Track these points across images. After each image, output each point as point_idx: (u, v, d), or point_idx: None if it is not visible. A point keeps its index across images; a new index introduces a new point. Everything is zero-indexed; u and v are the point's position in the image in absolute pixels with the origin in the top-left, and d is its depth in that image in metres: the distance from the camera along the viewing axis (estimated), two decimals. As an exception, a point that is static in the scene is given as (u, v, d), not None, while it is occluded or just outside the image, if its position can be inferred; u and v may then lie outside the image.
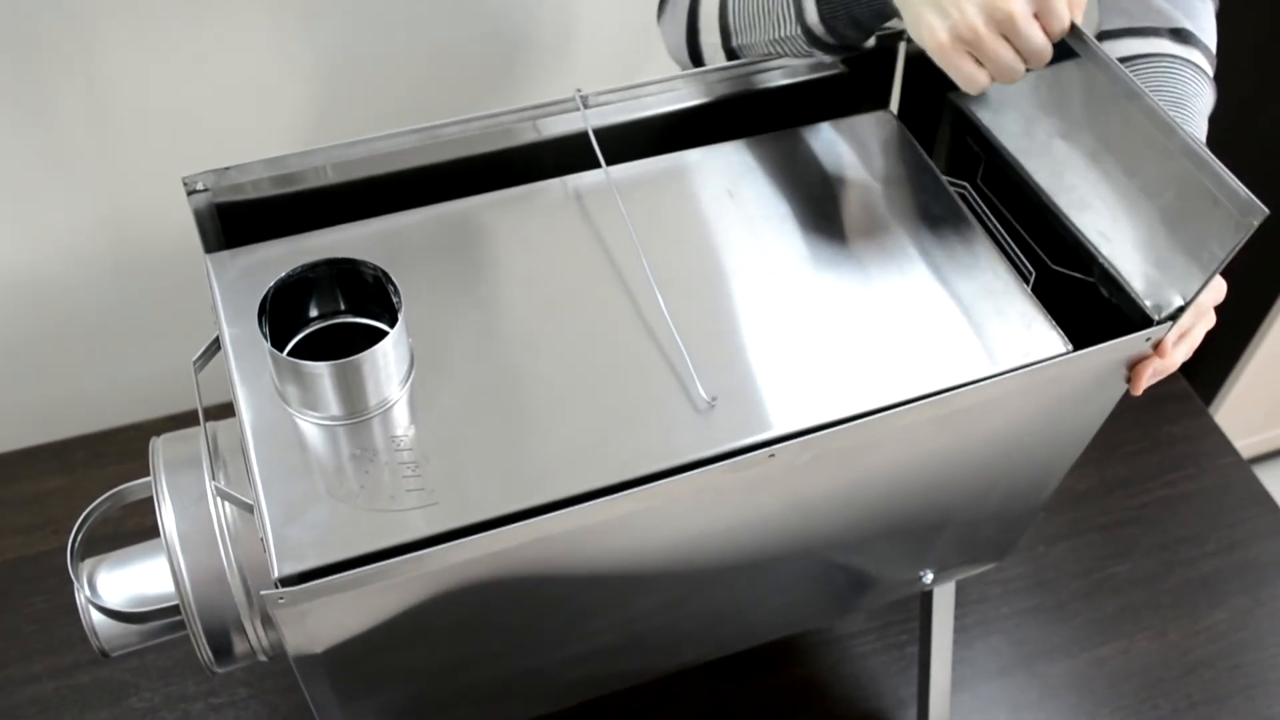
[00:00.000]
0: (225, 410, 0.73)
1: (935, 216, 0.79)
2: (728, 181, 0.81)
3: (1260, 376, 1.87)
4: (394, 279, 0.67)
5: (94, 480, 1.23)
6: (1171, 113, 0.83)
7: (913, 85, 0.87)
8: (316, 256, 0.68)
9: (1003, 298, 0.75)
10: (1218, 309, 0.76)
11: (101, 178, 1.18)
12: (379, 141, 0.76)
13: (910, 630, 1.14)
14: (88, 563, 0.75)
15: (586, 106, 0.80)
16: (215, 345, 0.72)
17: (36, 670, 1.08)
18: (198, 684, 1.07)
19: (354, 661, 0.67)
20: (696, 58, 0.89)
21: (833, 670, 1.12)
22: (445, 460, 0.65)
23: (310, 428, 0.66)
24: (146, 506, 0.73)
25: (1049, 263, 0.79)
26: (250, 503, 0.64)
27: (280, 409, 0.66)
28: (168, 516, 0.70)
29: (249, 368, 0.68)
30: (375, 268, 0.67)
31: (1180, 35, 0.86)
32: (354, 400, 0.65)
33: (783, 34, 0.80)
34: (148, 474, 0.73)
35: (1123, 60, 0.87)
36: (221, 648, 0.72)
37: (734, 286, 0.75)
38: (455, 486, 0.64)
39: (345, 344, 0.70)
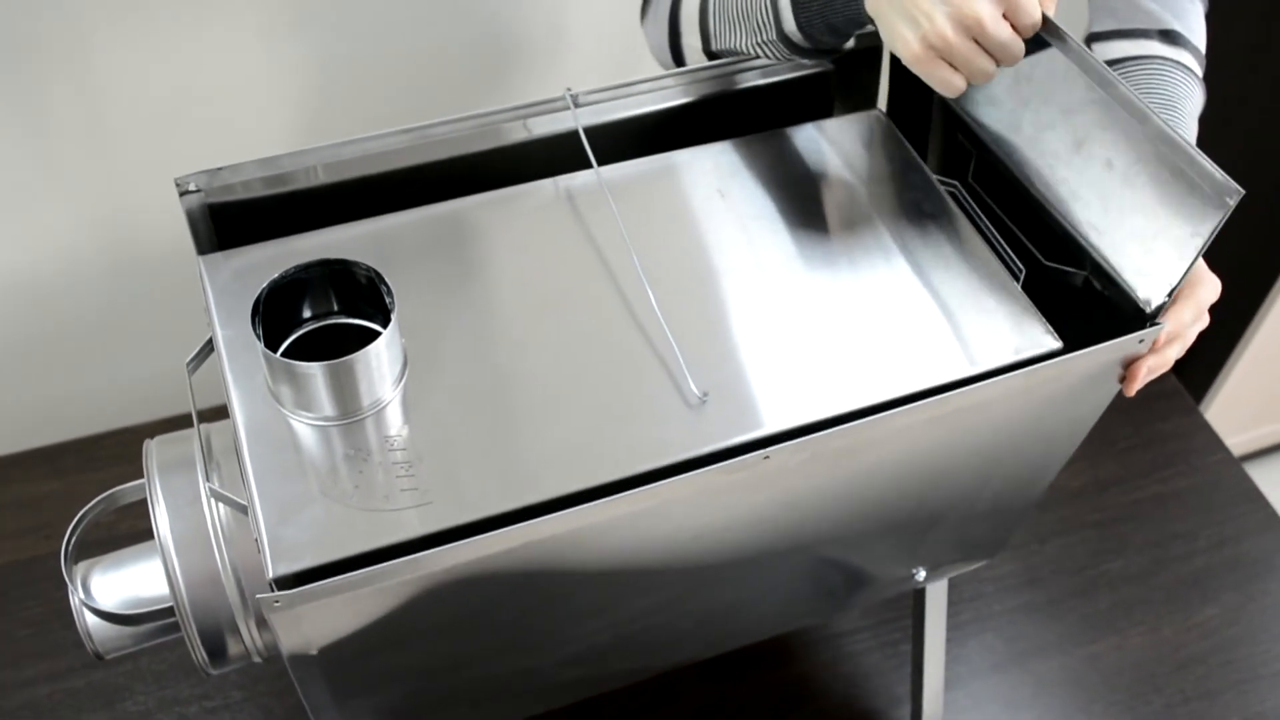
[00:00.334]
0: (219, 412, 0.73)
1: (925, 215, 0.80)
2: (718, 181, 0.81)
3: (1250, 375, 1.87)
4: (387, 279, 0.67)
5: (87, 484, 1.23)
6: (1162, 114, 0.84)
7: (901, 83, 0.88)
8: (309, 257, 0.68)
9: (993, 295, 0.75)
10: (1209, 307, 0.77)
11: (94, 180, 1.18)
12: (370, 142, 0.77)
13: (904, 628, 1.15)
14: (81, 565, 0.75)
15: (577, 106, 0.80)
16: (208, 347, 0.72)
17: (31, 674, 1.08)
18: (192, 687, 1.07)
19: (349, 662, 0.67)
20: (679, 59, 0.90)
21: (827, 668, 1.12)
22: (439, 459, 0.65)
23: (304, 428, 0.66)
24: (140, 510, 0.73)
25: (1041, 259, 0.80)
26: (244, 504, 0.64)
27: (274, 410, 0.66)
28: (162, 518, 0.70)
29: (242, 369, 0.68)
30: (368, 268, 0.68)
31: (1169, 36, 0.86)
32: (347, 400, 0.66)
33: (761, 39, 0.81)
34: (141, 477, 0.73)
35: (1112, 62, 0.87)
36: (216, 649, 0.72)
37: (725, 285, 0.75)
38: (449, 485, 0.64)
39: (338, 345, 0.70)
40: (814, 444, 0.66)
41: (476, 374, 0.69)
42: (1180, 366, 0.83)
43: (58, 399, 1.35)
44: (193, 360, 0.72)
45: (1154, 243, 0.71)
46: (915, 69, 0.71)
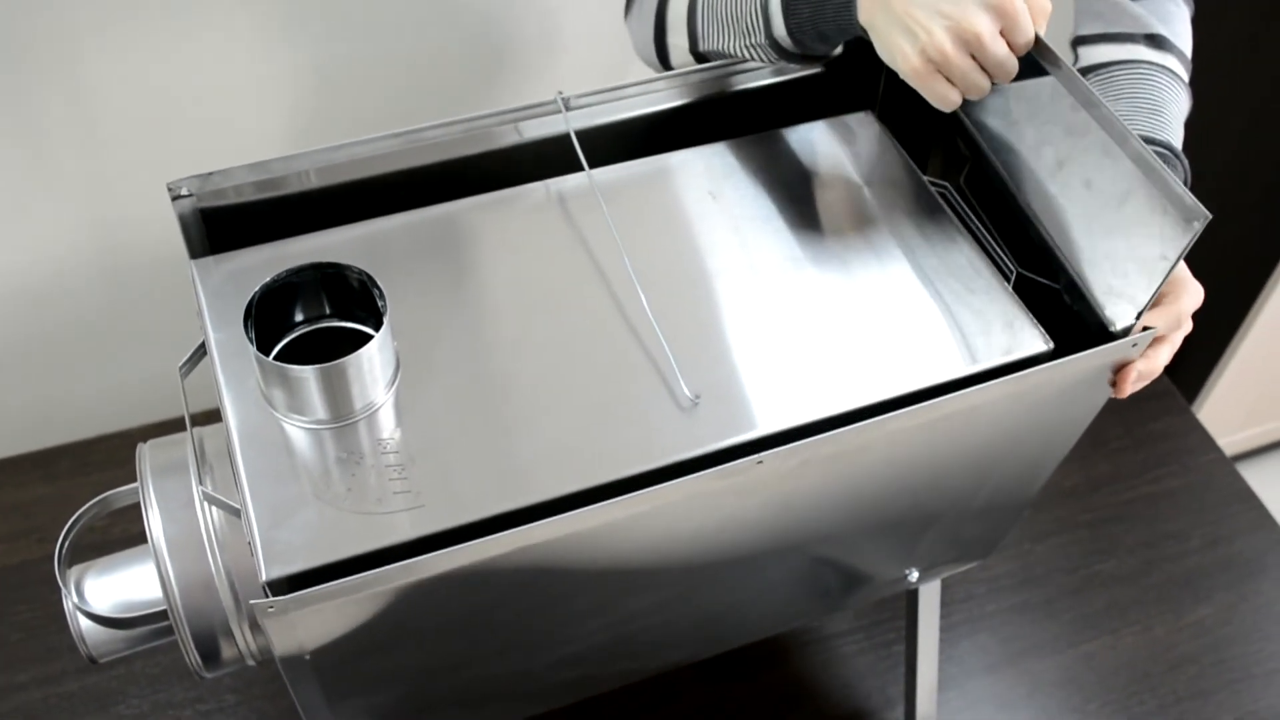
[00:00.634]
0: (212, 416, 0.73)
1: (916, 216, 0.80)
2: (710, 183, 0.81)
3: (1242, 375, 1.88)
4: (379, 283, 0.67)
5: (80, 488, 1.23)
6: (1148, 119, 0.84)
7: (896, 86, 0.88)
8: (301, 261, 0.68)
9: (984, 296, 0.76)
10: (1199, 309, 0.77)
11: (87, 185, 1.18)
12: (362, 146, 0.77)
13: (897, 629, 1.15)
14: (75, 569, 0.75)
15: (568, 109, 0.80)
16: (201, 351, 0.72)
17: (24, 679, 1.08)
18: (186, 691, 1.07)
19: (342, 665, 0.67)
20: (663, 58, 0.90)
21: (821, 670, 1.12)
22: (431, 462, 0.65)
23: (296, 432, 0.66)
24: (133, 515, 0.73)
25: (1017, 267, 0.80)
26: (237, 507, 0.64)
27: (266, 413, 0.67)
28: (155, 522, 0.70)
29: (235, 373, 0.68)
30: (360, 272, 0.68)
31: (1156, 41, 0.87)
32: (340, 404, 0.66)
33: (750, 42, 0.81)
34: (134, 481, 0.73)
35: (1098, 66, 0.88)
36: (209, 652, 0.72)
37: (717, 287, 0.75)
38: (442, 488, 0.64)
39: (331, 348, 0.70)
40: (806, 449, 0.66)
41: (469, 377, 0.69)
42: (1172, 367, 0.84)
43: (51, 403, 1.35)
44: (185, 364, 0.72)
45: (1125, 264, 0.72)
46: (913, 82, 0.72)
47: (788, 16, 0.77)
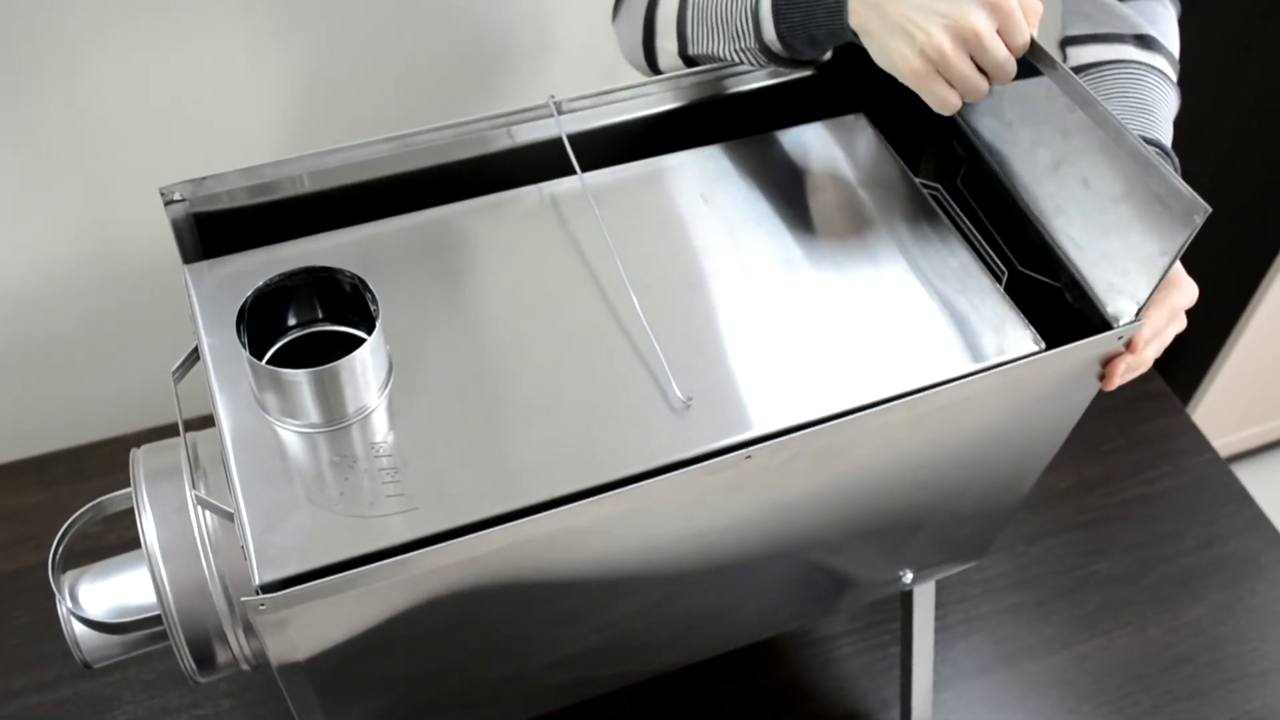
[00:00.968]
0: (205, 421, 0.73)
1: (908, 217, 0.80)
2: (702, 186, 0.81)
3: (1237, 376, 1.88)
4: (371, 287, 0.67)
5: (75, 494, 1.23)
6: (1138, 118, 0.84)
7: (890, 87, 0.88)
8: (294, 265, 0.68)
9: (975, 296, 0.76)
10: (1193, 310, 0.77)
11: (80, 190, 1.18)
12: (355, 150, 0.77)
13: (892, 631, 1.15)
14: (69, 575, 0.75)
15: (560, 113, 0.80)
16: (194, 355, 0.72)
17: (19, 685, 1.08)
18: (181, 696, 1.07)
19: (337, 667, 0.67)
20: (652, 61, 0.90)
21: (817, 672, 1.12)
22: (424, 465, 0.65)
23: (290, 435, 0.66)
24: (127, 521, 0.73)
25: (1016, 265, 0.80)
26: (231, 511, 0.64)
27: (259, 418, 0.67)
28: (149, 526, 0.70)
29: (228, 377, 0.68)
30: (353, 276, 0.68)
31: (1144, 41, 0.87)
32: (333, 407, 0.66)
33: (740, 46, 0.81)
34: (128, 486, 0.73)
35: (1087, 66, 0.88)
36: (204, 657, 0.72)
37: (709, 289, 0.75)
38: (435, 491, 0.64)
39: (324, 352, 0.70)
40: (795, 443, 0.66)
41: (461, 380, 0.69)
42: (1167, 367, 0.84)
43: (44, 410, 1.35)
44: (178, 369, 0.73)
45: (1125, 261, 0.72)
46: (913, 85, 0.72)
47: (778, 21, 0.77)
